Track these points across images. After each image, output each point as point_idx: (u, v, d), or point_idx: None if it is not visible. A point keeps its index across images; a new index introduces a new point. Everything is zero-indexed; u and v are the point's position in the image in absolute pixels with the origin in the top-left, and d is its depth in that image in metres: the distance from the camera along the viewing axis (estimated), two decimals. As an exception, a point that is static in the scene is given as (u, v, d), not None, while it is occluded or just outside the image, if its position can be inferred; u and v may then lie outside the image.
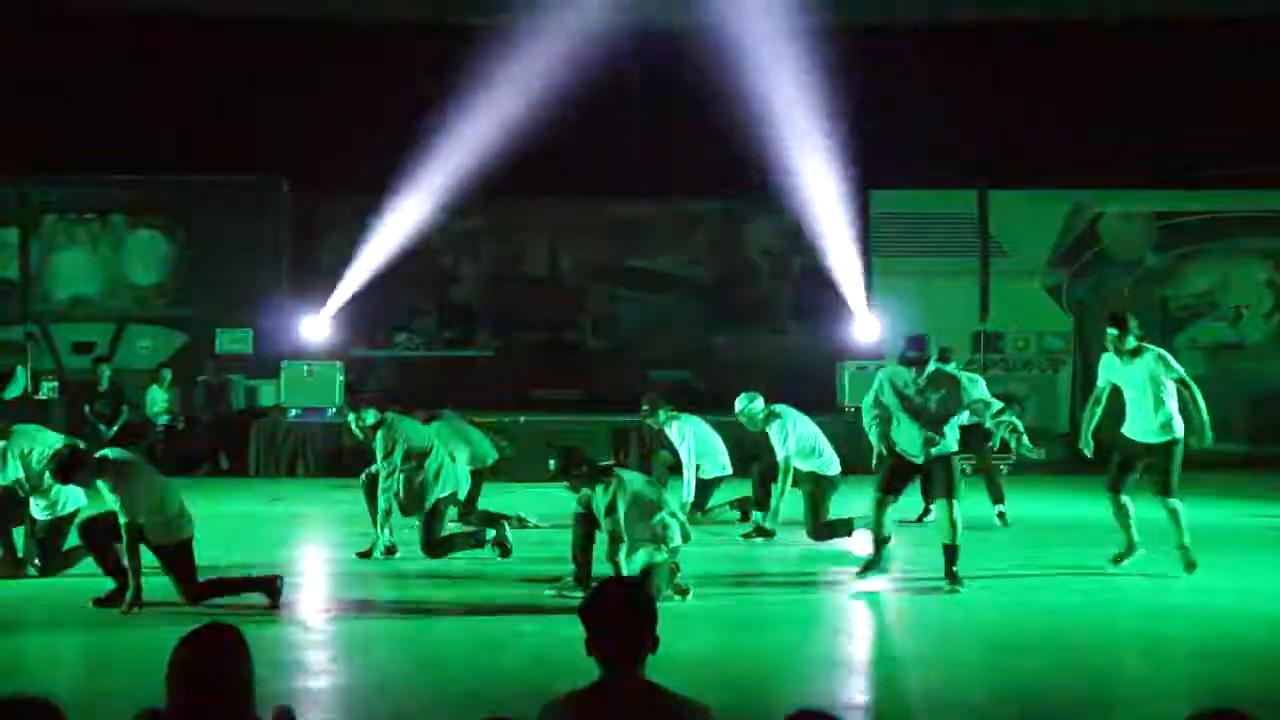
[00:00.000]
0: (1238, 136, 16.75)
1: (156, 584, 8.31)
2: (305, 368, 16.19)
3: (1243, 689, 6.31)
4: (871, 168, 17.57)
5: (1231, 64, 16.72)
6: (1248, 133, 16.71)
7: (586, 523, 8.43)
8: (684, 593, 8.22)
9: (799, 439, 10.46)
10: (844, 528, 10.29)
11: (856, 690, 6.65)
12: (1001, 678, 6.71)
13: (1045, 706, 6.26)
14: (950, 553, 8.57)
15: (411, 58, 16.72)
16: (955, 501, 8.53)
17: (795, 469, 10.46)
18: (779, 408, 10.66)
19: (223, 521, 11.05)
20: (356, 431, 10.05)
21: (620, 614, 3.57)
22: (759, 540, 10.61)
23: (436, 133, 16.67)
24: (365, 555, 9.81)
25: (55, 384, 16.66)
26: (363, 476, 10.24)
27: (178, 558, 8.08)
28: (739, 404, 10.76)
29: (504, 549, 9.86)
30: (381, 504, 9.72)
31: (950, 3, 16.00)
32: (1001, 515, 11.59)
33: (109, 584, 8.18)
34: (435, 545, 9.65)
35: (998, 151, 17.25)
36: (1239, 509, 12.35)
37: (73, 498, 9.02)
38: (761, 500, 10.80)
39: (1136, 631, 7.76)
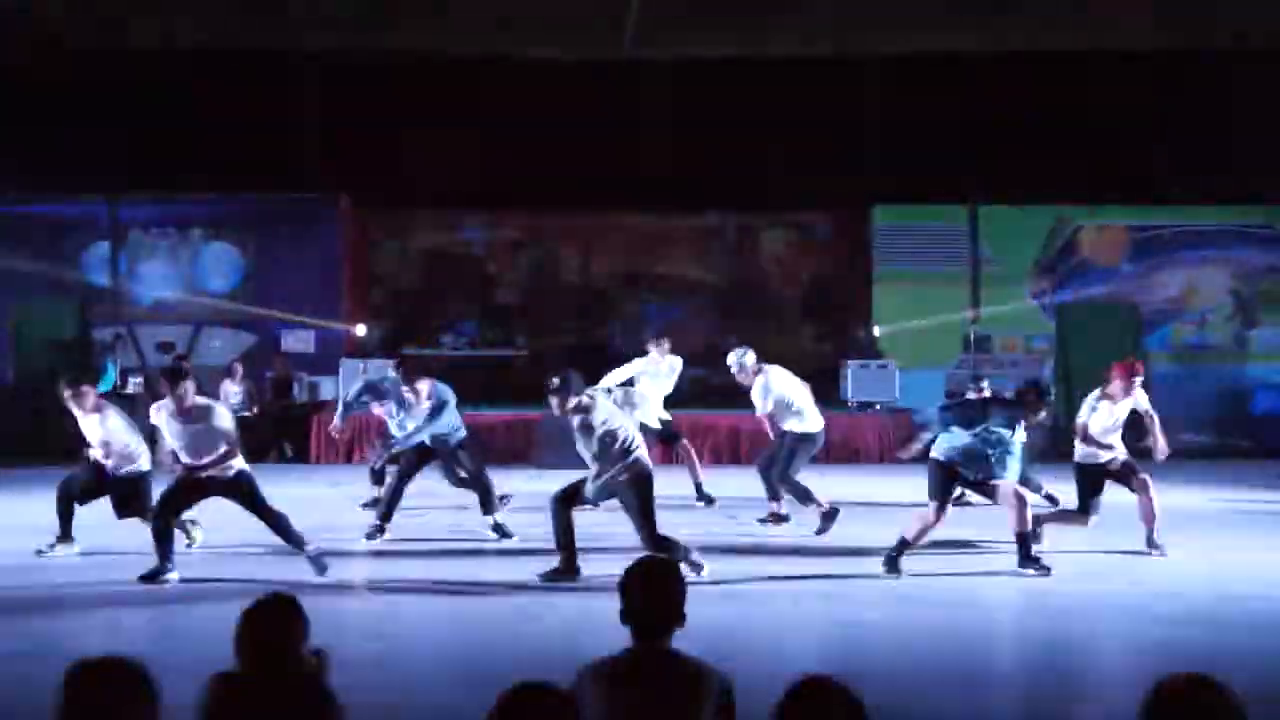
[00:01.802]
0: (1204, 157, 16.66)
1: (215, 563, 8.36)
2: (361, 365, 16.21)
3: (1215, 652, 6.25)
4: (874, 185, 17.57)
5: (1199, 92, 16.61)
6: (1213, 154, 16.61)
7: (566, 508, 8.19)
8: (700, 568, 8.18)
9: (777, 398, 10.35)
10: (804, 494, 10.11)
11: (862, 658, 6.59)
12: (1002, 645, 6.66)
13: (1042, 677, 6.20)
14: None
15: (460, 85, 16.75)
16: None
17: (777, 424, 10.36)
18: (767, 367, 10.51)
19: (288, 504, 11.01)
20: (410, 399, 9.98)
21: (655, 588, 3.55)
22: (771, 525, 10.46)
23: (481, 152, 16.72)
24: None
25: (140, 379, 16.80)
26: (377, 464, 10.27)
27: (238, 486, 8.28)
28: (732, 356, 10.56)
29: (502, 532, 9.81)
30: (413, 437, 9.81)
31: (946, 37, 15.97)
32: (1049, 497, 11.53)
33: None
34: (478, 477, 9.92)
35: (987, 171, 17.19)
36: (1205, 494, 12.28)
37: (142, 457, 9.00)
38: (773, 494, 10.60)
39: (1118, 603, 7.69)
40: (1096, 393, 9.16)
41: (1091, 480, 9.15)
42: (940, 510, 8.29)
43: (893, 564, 8.28)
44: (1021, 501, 8.35)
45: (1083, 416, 9.12)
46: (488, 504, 9.91)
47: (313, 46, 16.66)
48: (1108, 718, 5.38)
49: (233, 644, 3.36)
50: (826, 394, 16.93)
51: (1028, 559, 8.34)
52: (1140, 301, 18.11)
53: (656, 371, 12.16)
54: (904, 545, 8.31)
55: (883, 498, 12.31)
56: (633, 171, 17.32)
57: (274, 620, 3.42)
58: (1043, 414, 8.55)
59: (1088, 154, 17.13)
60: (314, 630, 3.46)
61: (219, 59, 16.64)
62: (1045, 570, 8.30)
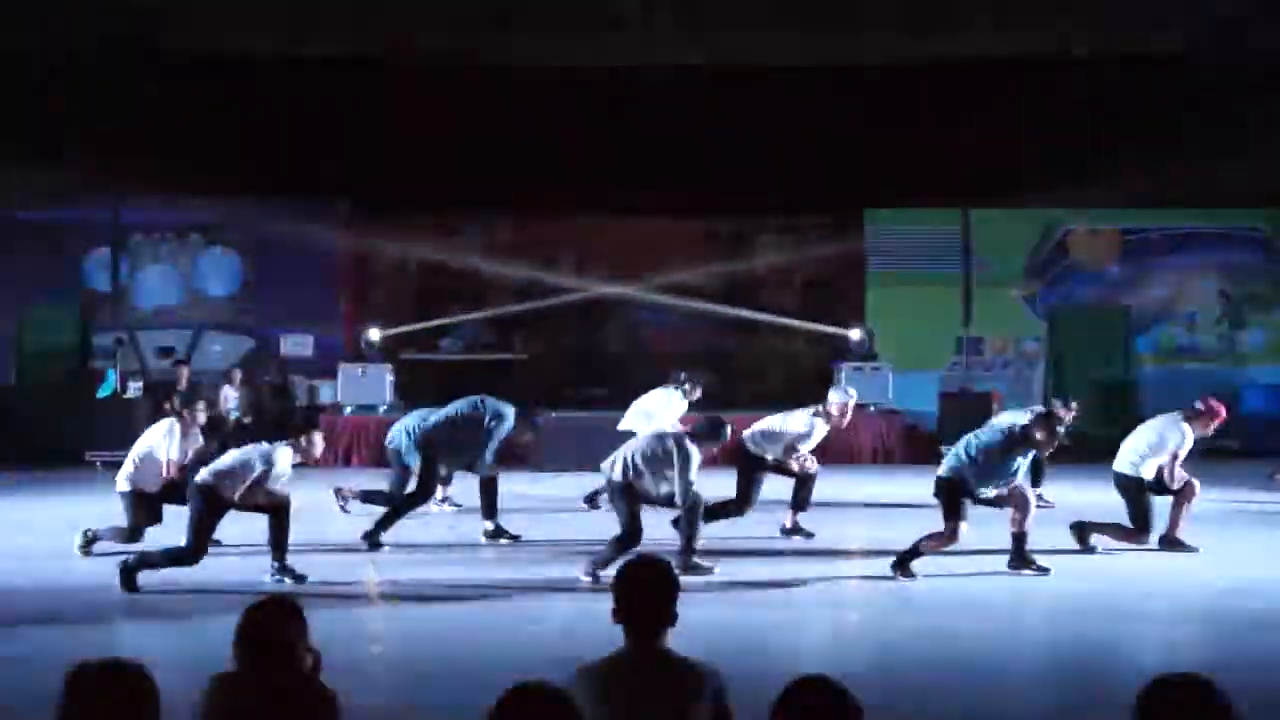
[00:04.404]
0: (1193, 161, 16.67)
1: (215, 566, 8.32)
2: (359, 369, 16.18)
3: (1212, 652, 6.24)
4: (867, 189, 17.59)
5: (1191, 95, 16.63)
6: (1202, 157, 16.62)
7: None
8: (709, 570, 8.17)
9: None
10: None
11: (860, 658, 6.57)
12: (1000, 646, 6.63)
13: (1040, 678, 6.18)
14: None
15: (457, 91, 16.74)
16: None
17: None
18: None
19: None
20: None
21: (646, 588, 3.53)
22: (797, 538, 10.03)
23: (478, 157, 16.72)
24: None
25: (141, 384, 16.74)
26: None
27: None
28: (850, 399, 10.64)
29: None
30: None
31: (938, 45, 15.98)
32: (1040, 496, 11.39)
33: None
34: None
35: (978, 175, 17.18)
36: (1199, 495, 12.25)
37: None
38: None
39: (1114, 603, 7.67)
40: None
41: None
42: (958, 527, 8.12)
43: (904, 566, 8.15)
44: (1025, 504, 8.32)
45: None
46: (491, 508, 9.85)
47: (312, 52, 16.64)
48: (1105, 718, 5.36)
49: (232, 645, 3.34)
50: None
51: (1023, 560, 8.31)
52: (1130, 304, 18.13)
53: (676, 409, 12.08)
54: (917, 551, 8.20)
55: (877, 498, 12.31)
56: (629, 177, 17.29)
57: (273, 621, 3.41)
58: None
59: (1078, 158, 17.12)
60: (320, 633, 3.44)
61: (218, 65, 16.62)
62: (1043, 570, 8.27)
